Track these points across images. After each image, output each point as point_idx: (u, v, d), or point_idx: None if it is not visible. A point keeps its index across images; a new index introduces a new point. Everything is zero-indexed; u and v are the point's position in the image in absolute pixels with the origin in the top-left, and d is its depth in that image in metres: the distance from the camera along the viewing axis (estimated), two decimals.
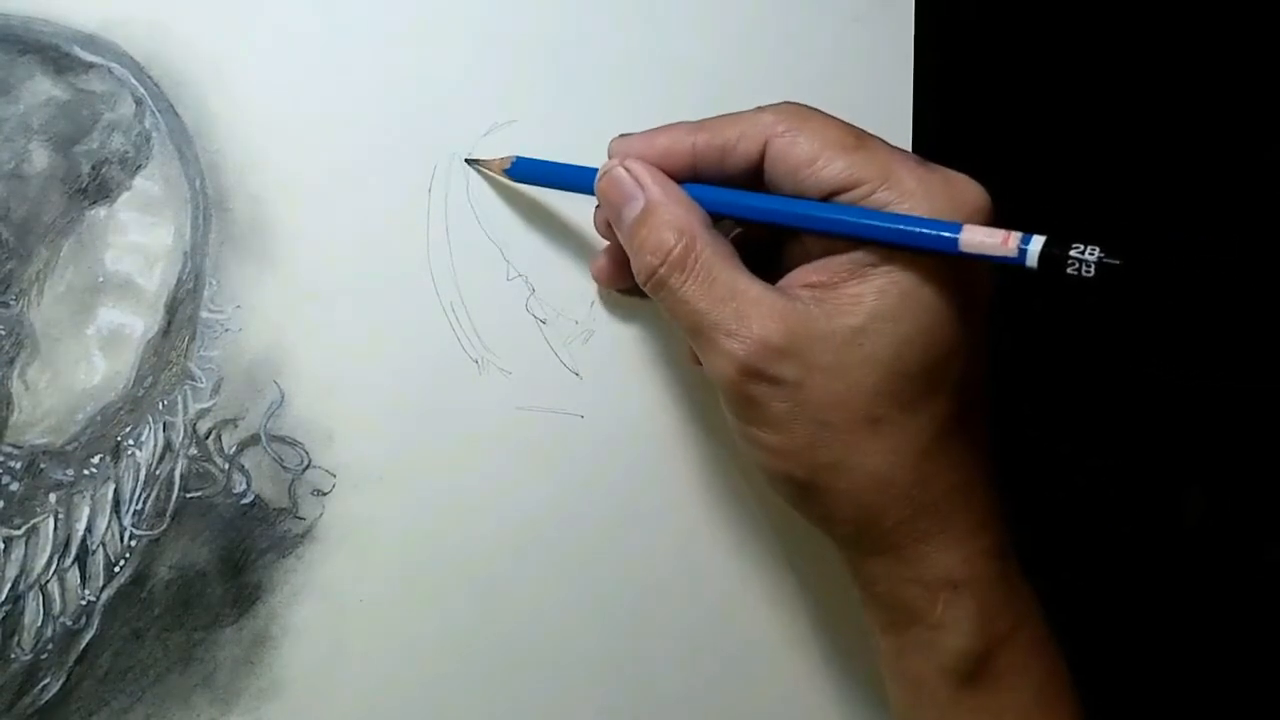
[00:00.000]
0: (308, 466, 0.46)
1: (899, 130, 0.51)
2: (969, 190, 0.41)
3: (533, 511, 0.48)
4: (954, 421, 0.41)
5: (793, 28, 0.51)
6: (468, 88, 0.48)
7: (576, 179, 0.46)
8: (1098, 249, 0.37)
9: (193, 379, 0.46)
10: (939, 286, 0.40)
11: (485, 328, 0.48)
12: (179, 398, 0.46)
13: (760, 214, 0.42)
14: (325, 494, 0.47)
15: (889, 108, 0.51)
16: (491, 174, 0.48)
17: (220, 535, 0.46)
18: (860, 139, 0.41)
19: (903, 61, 0.51)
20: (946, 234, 0.39)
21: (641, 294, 0.44)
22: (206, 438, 0.46)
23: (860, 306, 0.40)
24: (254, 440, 0.46)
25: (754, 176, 0.43)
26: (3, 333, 0.44)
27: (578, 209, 0.49)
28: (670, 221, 0.42)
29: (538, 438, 0.48)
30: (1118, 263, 0.36)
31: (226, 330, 0.46)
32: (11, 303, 0.44)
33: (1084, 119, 0.56)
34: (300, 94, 0.47)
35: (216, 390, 0.46)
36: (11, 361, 0.44)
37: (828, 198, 0.41)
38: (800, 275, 0.42)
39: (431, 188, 0.48)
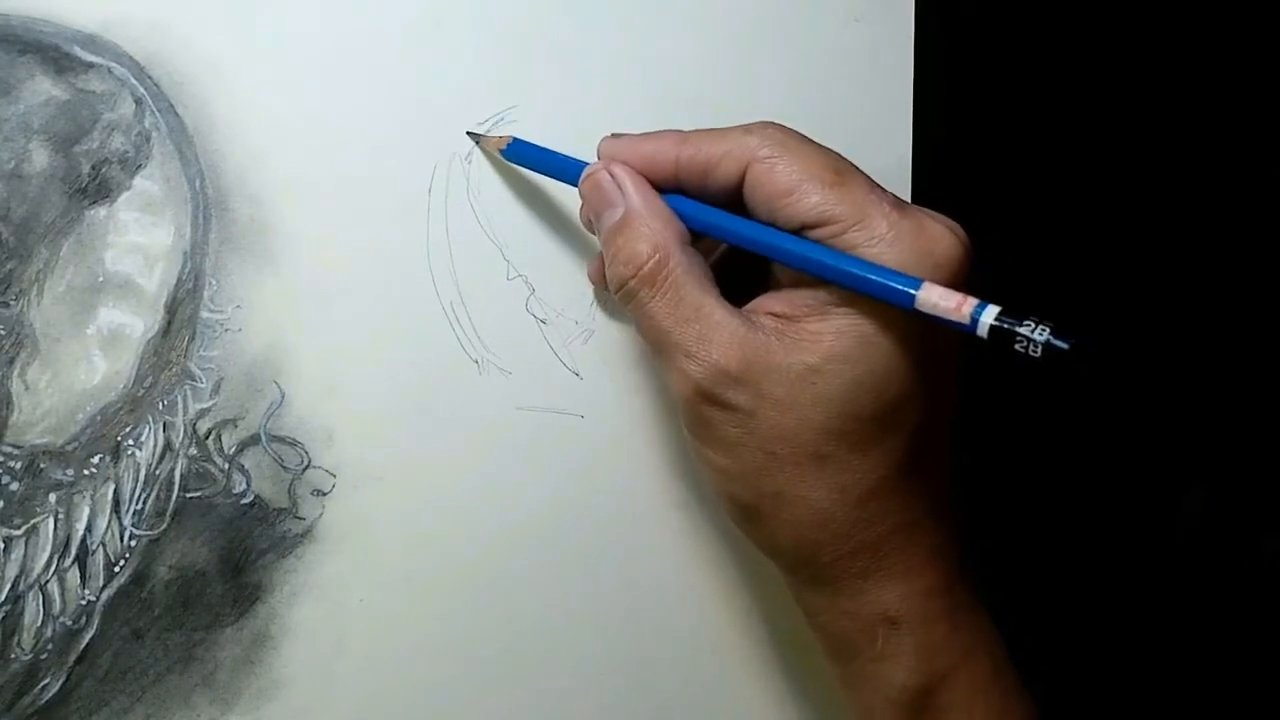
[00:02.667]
0: (308, 466, 0.46)
1: (899, 131, 0.51)
2: (942, 240, 0.40)
3: (533, 511, 0.48)
4: (906, 465, 0.41)
5: (793, 28, 0.51)
6: (468, 88, 0.48)
7: (567, 170, 0.46)
8: (1048, 329, 0.36)
9: (193, 379, 0.46)
10: (899, 334, 0.40)
11: (485, 328, 0.48)
12: (179, 398, 0.46)
13: (733, 237, 0.42)
14: (325, 494, 0.47)
15: (889, 108, 0.51)
16: (488, 151, 0.48)
17: (220, 535, 0.46)
18: (840, 174, 0.41)
19: (903, 61, 0.51)
20: (904, 289, 0.38)
21: None
22: (206, 438, 0.46)
23: (818, 345, 0.40)
24: (254, 440, 0.46)
25: (734, 196, 0.43)
26: (3, 333, 0.44)
27: (578, 210, 0.49)
28: (646, 234, 0.42)
29: (538, 438, 0.48)
30: (1065, 346, 0.36)
31: (226, 330, 0.46)
32: (11, 303, 0.44)
33: (1085, 119, 0.56)
34: (300, 94, 0.47)
35: (216, 390, 0.46)
36: (11, 361, 0.44)
37: (800, 230, 0.41)
38: (767, 302, 0.42)
39: (431, 188, 0.48)
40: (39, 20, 0.45)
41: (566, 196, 0.48)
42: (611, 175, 0.44)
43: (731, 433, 0.41)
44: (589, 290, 0.49)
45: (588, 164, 0.45)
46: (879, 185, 0.42)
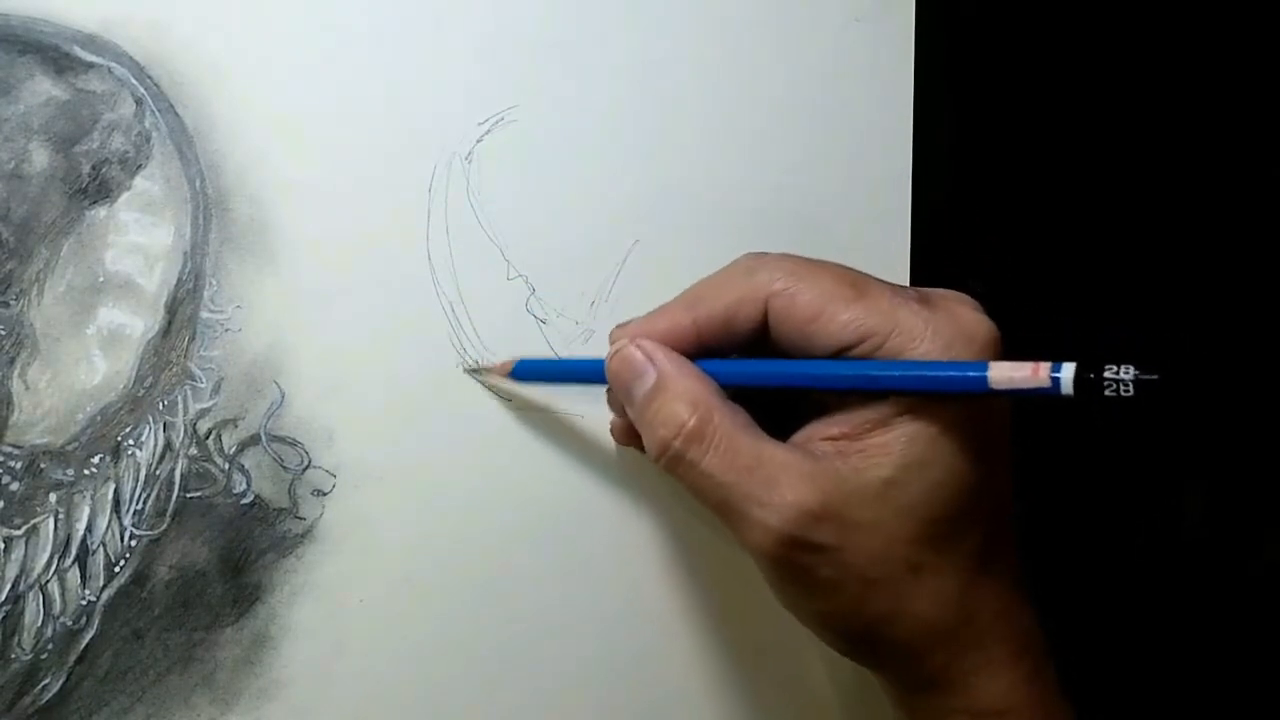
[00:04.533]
0: (308, 466, 0.46)
1: (899, 131, 0.51)
2: (975, 323, 0.40)
3: (533, 511, 0.48)
4: (987, 553, 0.41)
5: (793, 28, 0.50)
6: (468, 88, 0.48)
7: (581, 370, 0.46)
8: (1132, 368, 0.36)
9: (193, 379, 0.46)
10: (964, 427, 0.40)
11: (485, 328, 0.48)
12: (179, 398, 0.46)
13: (779, 379, 0.42)
14: (325, 494, 0.47)
15: (889, 108, 0.51)
16: (495, 382, 0.48)
17: (220, 535, 0.46)
18: (858, 287, 0.41)
19: (903, 62, 0.51)
20: (974, 374, 0.38)
21: None
22: (207, 438, 0.46)
23: (889, 457, 0.40)
24: (254, 440, 0.46)
25: (761, 336, 0.42)
26: (3, 333, 0.44)
27: (577, 209, 0.49)
28: (682, 394, 0.41)
29: (538, 438, 0.48)
30: (1155, 378, 0.36)
31: (227, 330, 0.46)
32: (11, 303, 0.44)
33: (1087, 118, 0.56)
34: (300, 94, 0.47)
35: (217, 390, 0.46)
36: (12, 361, 0.44)
37: (838, 353, 0.41)
38: (818, 429, 0.41)
39: (431, 188, 0.48)
40: (39, 20, 0.45)
41: (567, 197, 0.49)
42: (638, 346, 0.43)
43: (825, 573, 0.40)
44: (589, 290, 0.49)
45: (602, 360, 0.44)
46: (896, 285, 0.42)
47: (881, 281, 0.42)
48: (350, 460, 0.47)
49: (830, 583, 0.40)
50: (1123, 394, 0.36)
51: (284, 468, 0.46)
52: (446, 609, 0.48)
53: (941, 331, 0.40)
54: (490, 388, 0.48)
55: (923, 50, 0.51)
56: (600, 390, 0.48)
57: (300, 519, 0.46)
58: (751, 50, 0.50)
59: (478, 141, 0.48)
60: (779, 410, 0.43)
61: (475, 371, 0.48)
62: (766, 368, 0.42)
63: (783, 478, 0.40)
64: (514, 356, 0.47)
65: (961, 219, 0.54)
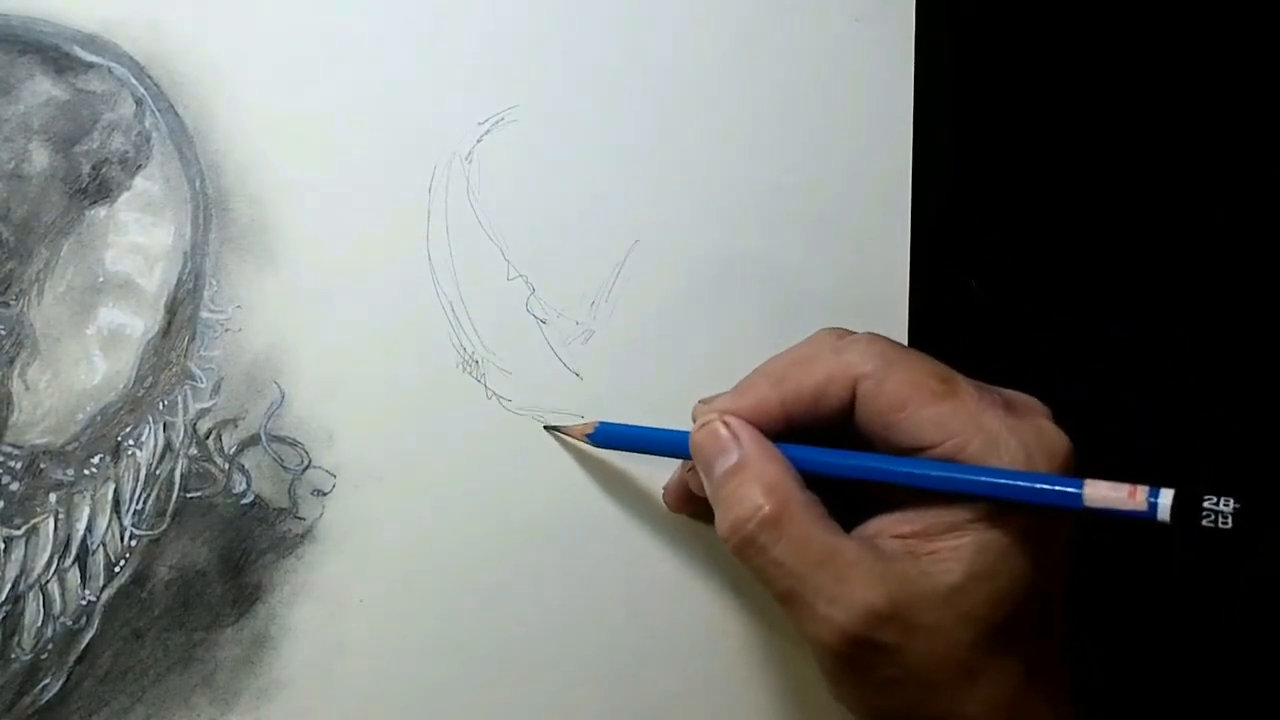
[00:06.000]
0: (308, 467, 0.46)
1: (900, 131, 0.51)
2: (1058, 440, 0.40)
3: (532, 512, 0.48)
4: (1039, 662, 0.41)
5: (793, 28, 0.50)
6: (468, 87, 0.48)
7: (664, 442, 0.45)
8: (1232, 500, 0.36)
9: (193, 379, 0.46)
10: (1033, 540, 0.40)
11: (485, 328, 0.48)
12: (179, 398, 0.46)
13: (866, 473, 0.41)
14: (325, 494, 0.47)
15: (890, 108, 0.51)
16: (573, 441, 0.48)
17: (220, 535, 0.46)
18: (947, 383, 0.41)
19: (903, 62, 0.51)
20: (1071, 490, 0.38)
21: (705, 515, 0.44)
22: (207, 438, 0.46)
23: (960, 564, 0.40)
24: (254, 440, 0.46)
25: (846, 417, 0.42)
26: (3, 333, 0.44)
27: (577, 209, 0.49)
28: (762, 478, 0.41)
29: (537, 438, 0.48)
30: (1256, 511, 0.36)
31: (227, 330, 0.46)
32: (11, 303, 0.44)
33: (1089, 118, 0.56)
34: (300, 94, 0.47)
35: (216, 390, 0.46)
36: (12, 361, 0.44)
37: (919, 449, 0.41)
38: (889, 524, 0.41)
39: (431, 188, 0.48)
40: (39, 20, 0.45)
41: (567, 197, 0.48)
42: (726, 423, 0.42)
43: (886, 672, 0.40)
44: (589, 290, 0.49)
45: (686, 432, 0.44)
46: (981, 385, 0.42)
47: (968, 380, 0.42)
48: (350, 460, 0.47)
49: (890, 682, 0.40)
50: (1220, 525, 0.37)
51: (284, 468, 0.46)
52: (446, 609, 0.48)
53: (1025, 442, 0.40)
54: (565, 448, 0.48)
55: (923, 50, 0.51)
56: (599, 389, 0.48)
57: (300, 519, 0.46)
58: (752, 50, 0.50)
59: (478, 141, 0.48)
60: (851, 494, 0.42)
61: (553, 429, 0.48)
62: (855, 460, 0.42)
63: (853, 575, 0.40)
64: (594, 420, 0.47)
65: (961, 219, 0.54)
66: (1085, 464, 0.41)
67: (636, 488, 0.49)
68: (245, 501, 0.46)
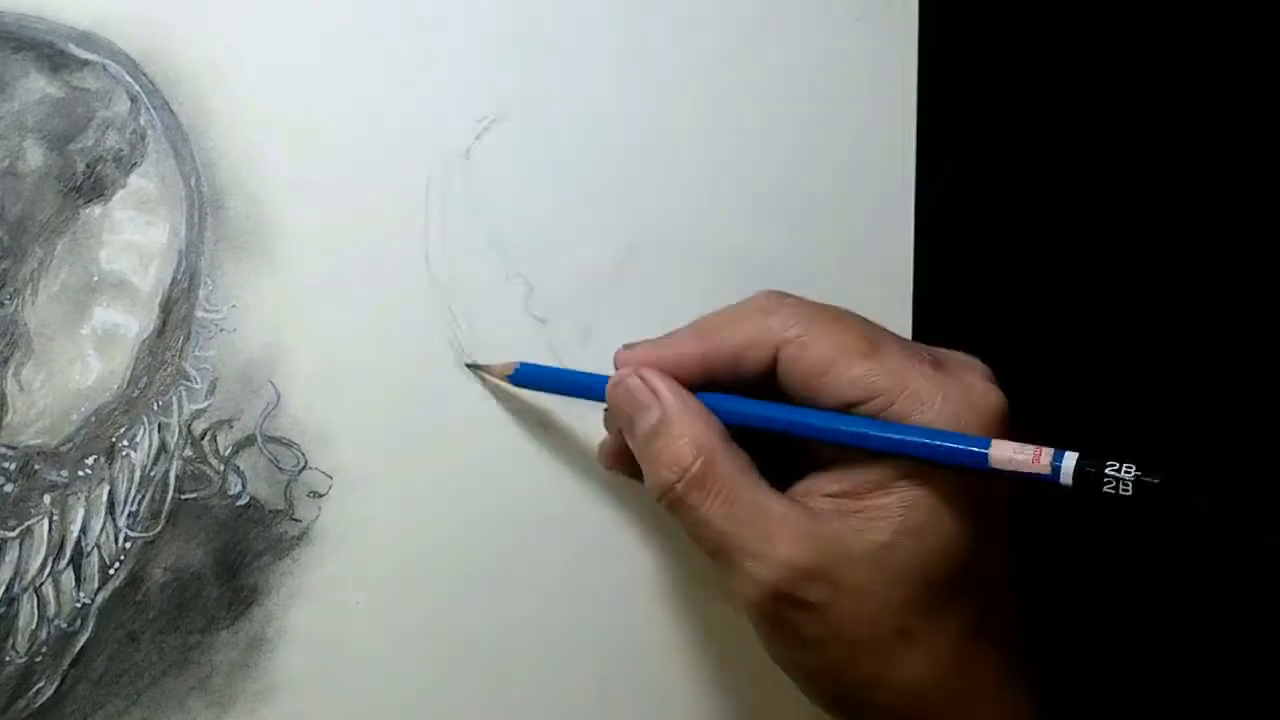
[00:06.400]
0: (304, 468, 0.46)
1: (901, 132, 0.51)
2: (987, 394, 0.40)
3: (531, 512, 0.48)
4: (981, 624, 0.41)
5: (793, 28, 0.50)
6: (467, 87, 0.48)
7: (583, 385, 0.45)
8: (1134, 468, 0.36)
9: (188, 379, 0.46)
10: (964, 497, 0.40)
11: (483, 327, 0.48)
12: (174, 398, 0.45)
13: (781, 425, 0.41)
14: (321, 496, 0.46)
15: (891, 108, 0.51)
16: (493, 383, 0.47)
17: (215, 537, 0.45)
18: (873, 343, 0.41)
19: (905, 62, 0.51)
20: (976, 449, 0.38)
21: (640, 473, 0.43)
22: (202, 439, 0.46)
23: (888, 521, 0.39)
24: (250, 441, 0.46)
25: (768, 380, 0.42)
26: None
27: (577, 209, 0.49)
28: (688, 436, 0.41)
29: (536, 439, 0.48)
30: (1155, 481, 0.36)
31: (222, 330, 0.46)
32: (5, 302, 0.44)
33: (1090, 118, 0.55)
34: (297, 92, 0.47)
35: (212, 391, 0.46)
36: (5, 362, 0.44)
37: (844, 408, 0.41)
38: (818, 484, 0.41)
39: (429, 186, 0.48)
40: (33, 17, 0.45)
41: (566, 196, 0.48)
42: (642, 379, 0.42)
43: (812, 630, 0.40)
44: (589, 290, 0.49)
45: (605, 377, 0.44)
46: (910, 344, 0.42)
47: (896, 338, 0.42)
48: (347, 461, 0.47)
49: (816, 641, 0.40)
50: (1121, 492, 0.37)
51: (280, 469, 0.46)
52: (444, 611, 0.47)
53: (951, 399, 0.40)
54: (487, 385, 0.48)
55: (925, 50, 0.50)
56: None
57: (296, 521, 0.46)
58: (752, 50, 0.50)
59: (476, 140, 0.48)
60: (782, 457, 0.42)
61: (475, 368, 0.47)
62: (770, 411, 0.42)
63: (779, 532, 0.39)
64: (515, 360, 0.47)
65: (963, 218, 0.54)
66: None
67: (636, 488, 0.49)
68: (241, 503, 0.46)
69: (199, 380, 0.46)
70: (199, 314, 0.46)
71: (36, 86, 0.45)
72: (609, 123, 0.49)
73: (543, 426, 0.48)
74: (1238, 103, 0.56)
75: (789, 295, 0.43)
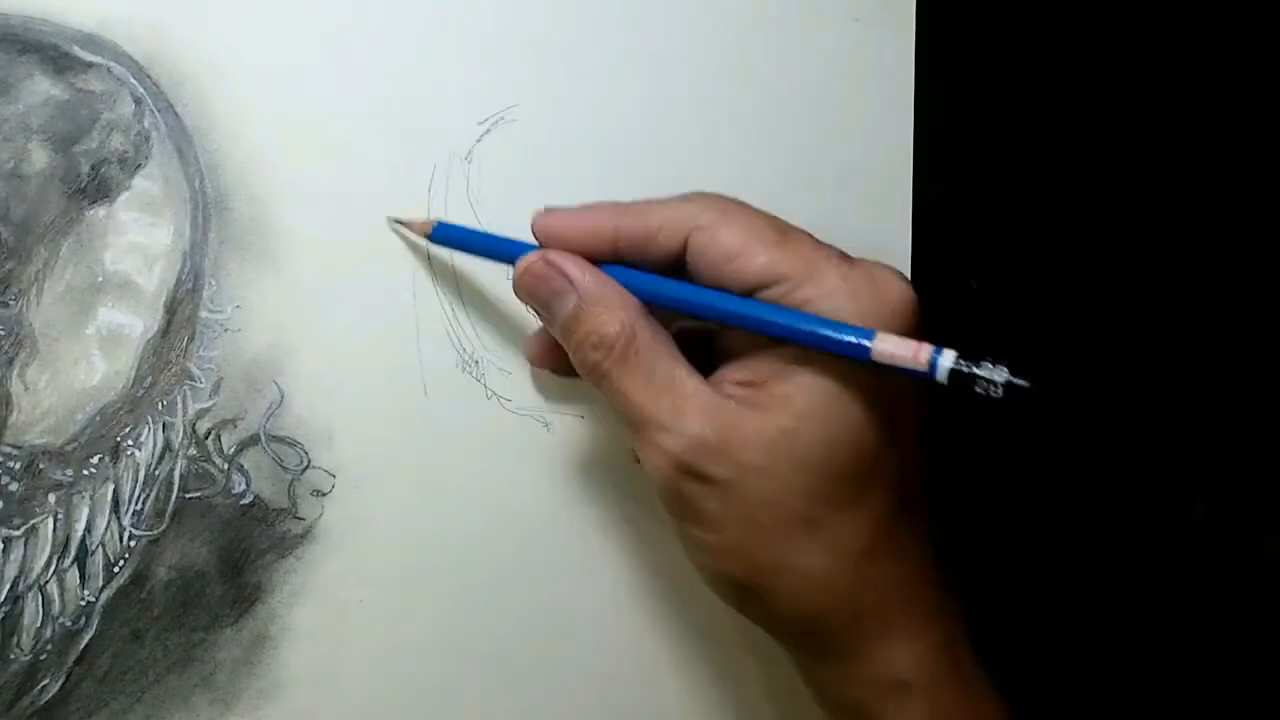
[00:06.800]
0: (307, 467, 0.46)
1: (900, 131, 0.51)
2: (893, 288, 0.40)
3: (532, 512, 0.48)
4: (891, 519, 0.41)
5: (793, 28, 0.50)
6: (468, 88, 0.48)
7: (501, 250, 0.45)
8: (1005, 369, 0.37)
9: (192, 379, 0.46)
10: (866, 386, 0.40)
11: (485, 327, 0.48)
12: (178, 398, 0.46)
13: (682, 305, 0.42)
14: (325, 494, 0.47)
15: (889, 108, 0.51)
16: (413, 236, 0.47)
17: (220, 536, 0.46)
18: (784, 234, 0.41)
19: (904, 61, 0.51)
20: (859, 341, 0.38)
21: (568, 368, 0.43)
22: (206, 438, 0.46)
23: (788, 407, 0.40)
24: (253, 440, 0.46)
25: (676, 267, 0.42)
26: (2, 333, 0.44)
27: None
28: (609, 313, 0.41)
29: (537, 438, 0.48)
30: (1025, 384, 0.37)
31: (226, 330, 0.46)
32: (11, 302, 0.44)
33: (1089, 118, 0.56)
34: (300, 93, 0.47)
35: (216, 390, 0.46)
36: (11, 361, 0.44)
37: (750, 292, 0.41)
38: (731, 372, 0.41)
39: (431, 188, 0.48)
40: (38, 19, 0.45)
41: (567, 196, 0.48)
42: (549, 262, 0.42)
43: (713, 507, 0.40)
44: None
45: (519, 243, 0.44)
46: (827, 244, 0.41)
47: (809, 235, 0.42)
48: (350, 460, 0.47)
49: (717, 517, 0.40)
50: (992, 394, 0.37)
51: (283, 468, 0.46)
52: (446, 609, 0.48)
53: (856, 290, 0.40)
54: (405, 241, 0.47)
55: (923, 50, 0.51)
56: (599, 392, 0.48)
57: (300, 519, 0.46)
58: (751, 50, 0.50)
59: (477, 141, 0.48)
60: (695, 352, 0.42)
61: (396, 223, 0.47)
62: (672, 289, 0.42)
63: (688, 406, 0.40)
64: (434, 219, 0.47)
65: (962, 218, 0.54)
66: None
67: (635, 488, 0.49)
68: (244, 502, 0.46)
69: (203, 380, 0.46)
70: (203, 314, 0.46)
71: (41, 89, 0.45)
72: (609, 123, 0.49)
73: (544, 425, 0.48)
74: (1232, 109, 0.56)
75: (712, 193, 0.43)
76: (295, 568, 0.46)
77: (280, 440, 0.46)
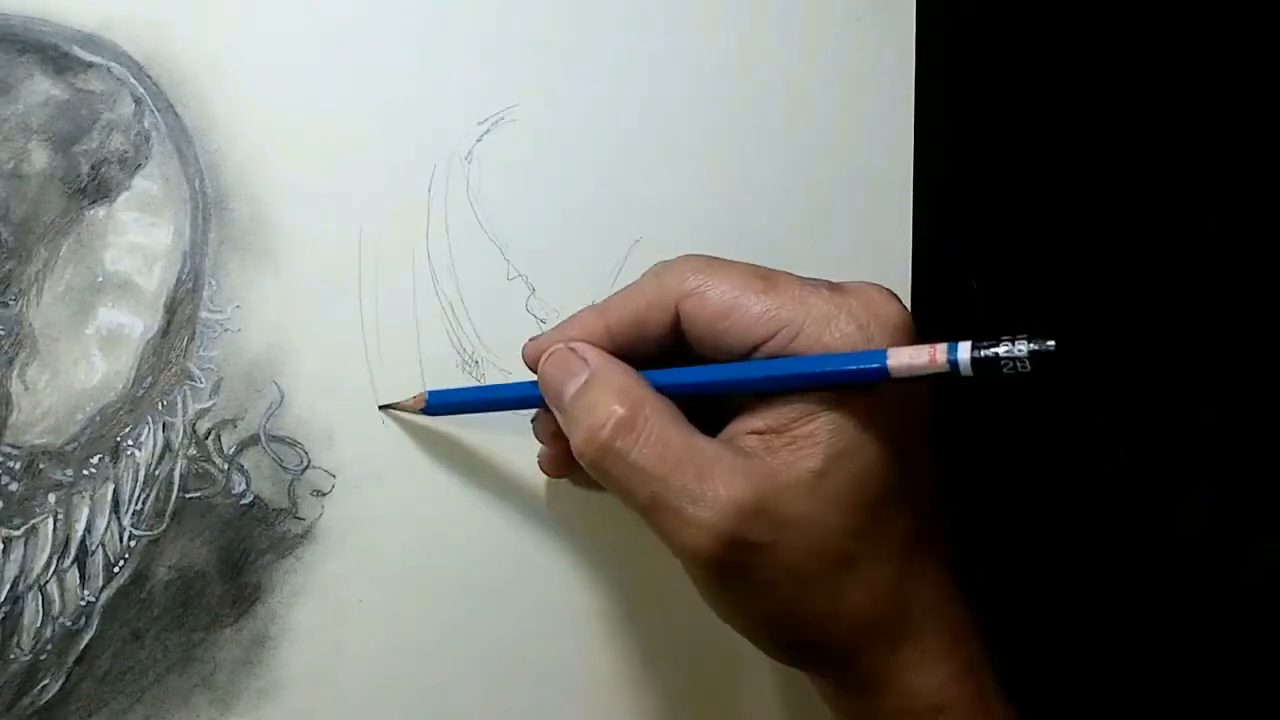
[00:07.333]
0: (307, 467, 0.46)
1: (900, 131, 0.51)
2: (889, 305, 0.40)
3: (532, 512, 0.48)
4: (916, 540, 0.41)
5: (793, 28, 0.50)
6: (468, 88, 0.48)
7: (501, 397, 0.45)
8: (1025, 340, 0.36)
9: (192, 379, 0.46)
10: (887, 411, 0.39)
11: (485, 328, 0.48)
12: (178, 398, 0.46)
13: (696, 389, 0.41)
14: (325, 494, 0.47)
15: (890, 108, 0.51)
16: (409, 419, 0.47)
17: (219, 536, 0.46)
18: (768, 279, 0.41)
19: (904, 61, 0.51)
20: (874, 365, 0.38)
21: (586, 478, 0.42)
22: (206, 438, 0.46)
23: (817, 448, 0.39)
24: (253, 440, 0.46)
25: (674, 341, 0.42)
26: (2, 333, 0.44)
27: (577, 209, 0.49)
28: (612, 385, 0.40)
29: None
30: (1050, 347, 0.36)
31: (226, 330, 0.46)
32: (11, 303, 0.44)
33: (1089, 118, 0.56)
34: (300, 94, 0.47)
35: (216, 390, 0.46)
36: (11, 361, 0.44)
37: (753, 347, 0.40)
38: (743, 424, 0.40)
39: (431, 187, 0.48)
40: (38, 20, 0.45)
41: (567, 197, 0.48)
42: (572, 349, 0.42)
43: (762, 573, 0.39)
44: (589, 290, 0.49)
45: (517, 384, 0.44)
46: (806, 277, 0.41)
47: (790, 274, 0.41)
48: (349, 460, 0.47)
49: (766, 584, 0.39)
50: (1020, 370, 0.36)
51: (283, 468, 0.46)
52: (446, 609, 0.48)
53: (855, 314, 0.40)
54: (403, 426, 0.47)
55: (923, 50, 0.51)
56: None
57: (300, 519, 0.46)
58: (752, 50, 0.50)
59: (478, 141, 0.48)
60: (702, 410, 0.42)
61: (387, 408, 0.47)
62: (682, 377, 0.41)
63: (715, 471, 0.39)
64: (423, 391, 0.46)
65: (961, 218, 0.54)
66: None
67: None
68: (244, 502, 0.46)
69: (203, 380, 0.46)
70: (203, 314, 0.46)
71: (41, 89, 0.45)
72: (610, 124, 0.49)
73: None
74: (1231, 109, 0.56)
75: (676, 258, 0.43)
76: (295, 568, 0.46)
77: (280, 440, 0.46)
